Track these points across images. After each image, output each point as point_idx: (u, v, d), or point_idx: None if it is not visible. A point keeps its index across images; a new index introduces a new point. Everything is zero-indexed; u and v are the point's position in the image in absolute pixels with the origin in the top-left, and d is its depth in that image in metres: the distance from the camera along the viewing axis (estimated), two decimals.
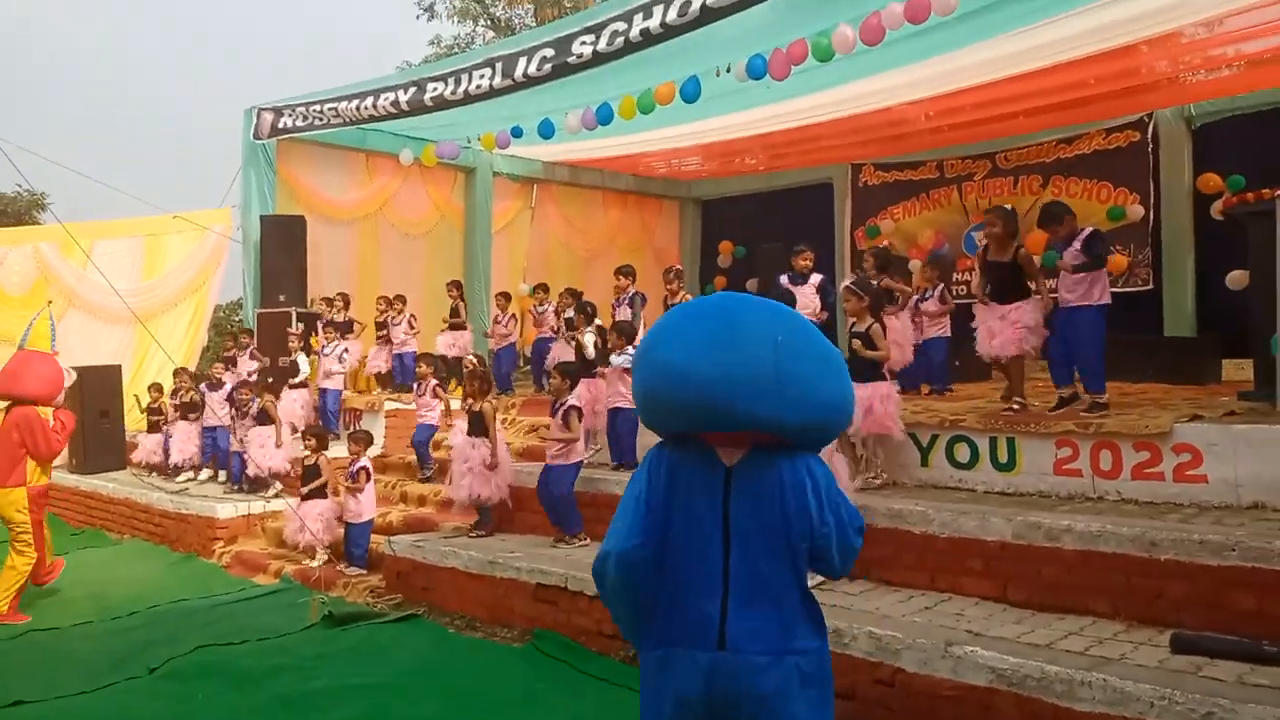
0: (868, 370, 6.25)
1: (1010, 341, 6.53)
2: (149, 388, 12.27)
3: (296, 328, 11.48)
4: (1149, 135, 11.45)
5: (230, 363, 11.63)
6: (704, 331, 2.31)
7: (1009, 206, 7.07)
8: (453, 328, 11.86)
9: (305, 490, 8.49)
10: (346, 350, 11.25)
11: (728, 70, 8.82)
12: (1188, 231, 11.17)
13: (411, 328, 11.83)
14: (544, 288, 11.70)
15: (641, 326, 9.23)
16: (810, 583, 2.43)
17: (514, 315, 11.79)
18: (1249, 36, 8.72)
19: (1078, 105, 10.91)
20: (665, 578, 2.37)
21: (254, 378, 10.92)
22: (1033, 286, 6.60)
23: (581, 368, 8.02)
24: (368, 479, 8.18)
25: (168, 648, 6.17)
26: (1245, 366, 7.76)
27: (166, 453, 11.52)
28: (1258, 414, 5.77)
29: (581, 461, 7.39)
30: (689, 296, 9.82)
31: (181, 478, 11.15)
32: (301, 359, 11.02)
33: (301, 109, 11.84)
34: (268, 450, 9.92)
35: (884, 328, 6.59)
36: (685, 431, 2.40)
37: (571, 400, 7.32)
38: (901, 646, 4.50)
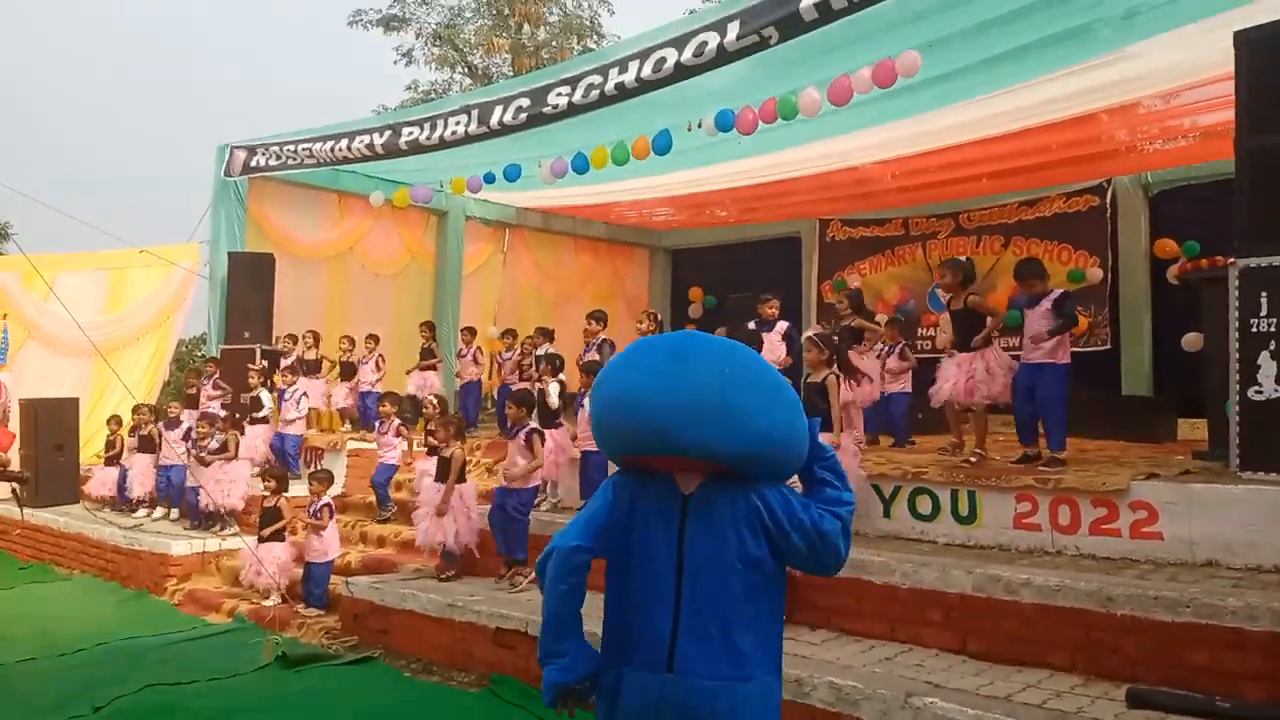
0: (824, 422, 6.30)
1: (969, 389, 6.66)
2: (107, 421, 12.08)
3: (259, 364, 11.40)
4: (1108, 200, 11.79)
5: (191, 401, 11.49)
6: (654, 361, 2.41)
7: (963, 257, 7.27)
8: (423, 369, 11.83)
9: (265, 533, 8.36)
10: (305, 394, 11.16)
11: (699, 126, 9.00)
12: (1145, 294, 11.46)
13: (379, 368, 11.78)
14: (511, 333, 11.73)
15: None
16: None
17: (479, 348, 11.79)
18: (1204, 110, 9.05)
19: (1039, 169, 11.24)
20: (624, 600, 2.44)
21: (215, 405, 10.80)
22: (987, 330, 6.75)
23: (543, 418, 8.03)
24: (331, 515, 8.08)
25: (115, 686, 6.00)
26: (1200, 426, 7.93)
27: (121, 487, 11.31)
28: (1212, 474, 5.88)
29: (537, 487, 7.38)
30: None
31: (138, 513, 10.94)
32: (264, 395, 10.91)
33: (275, 148, 11.87)
34: (224, 485, 9.76)
35: (846, 370, 6.66)
36: (637, 455, 2.46)
37: (532, 424, 7.33)
38: (861, 697, 4.50)
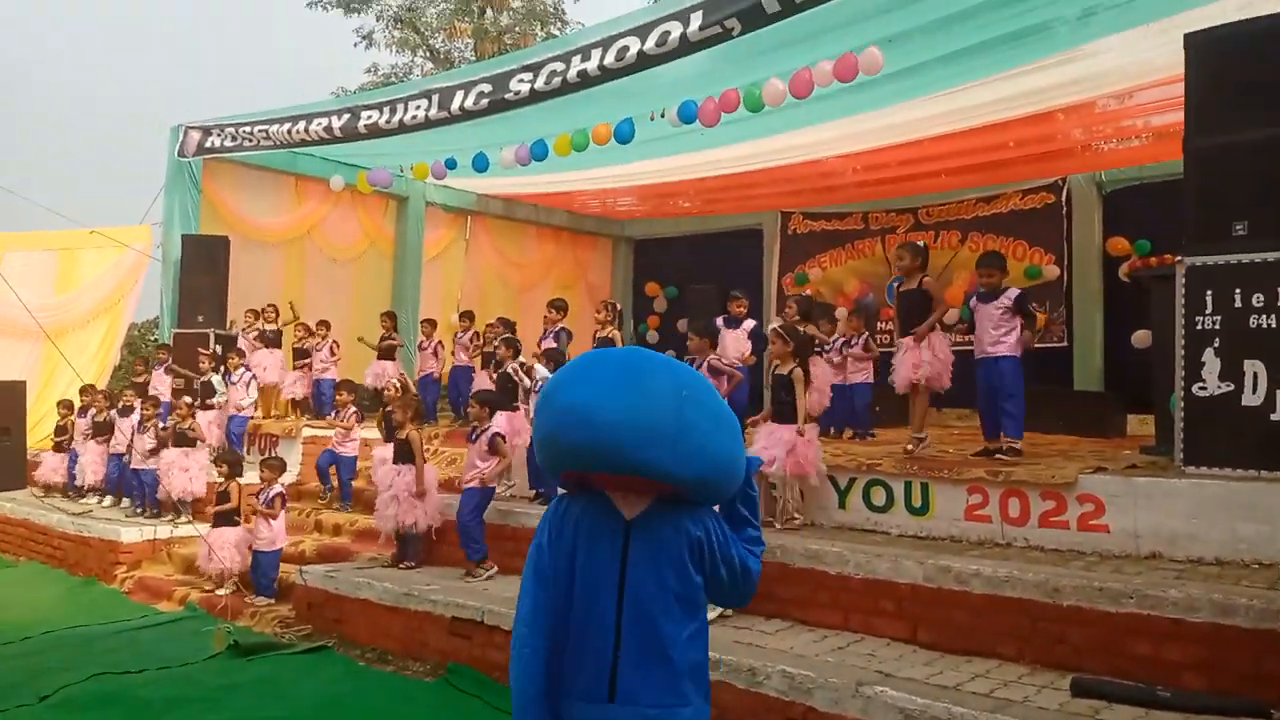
0: (790, 413, 6.40)
1: (918, 370, 6.75)
2: (57, 404, 11.84)
3: (212, 349, 11.23)
4: (1063, 198, 11.96)
5: (142, 389, 11.30)
6: (610, 376, 2.33)
7: (920, 242, 7.38)
8: (382, 356, 11.71)
9: (213, 511, 8.24)
10: (254, 378, 11.01)
11: (662, 115, 9.00)
12: (1098, 291, 11.66)
13: (333, 354, 11.65)
14: (468, 315, 11.66)
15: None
16: (710, 614, 2.48)
17: (440, 341, 11.70)
18: (1157, 110, 9.23)
19: (997, 166, 11.39)
20: (570, 627, 2.40)
21: (165, 390, 10.62)
22: (934, 317, 6.84)
23: (501, 398, 7.99)
24: (283, 505, 8.00)
25: (62, 675, 5.92)
26: (1148, 421, 8.10)
27: (71, 474, 11.10)
28: (1157, 468, 6.01)
29: (494, 488, 7.36)
30: (617, 333, 9.88)
31: (87, 498, 10.74)
32: (216, 380, 10.75)
33: (231, 129, 11.69)
34: (190, 473, 9.56)
35: (807, 373, 6.72)
36: (584, 473, 2.40)
37: (495, 428, 7.31)
38: (814, 686, 4.55)
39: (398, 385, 9.36)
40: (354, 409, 9.55)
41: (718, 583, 2.44)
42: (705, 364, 7.05)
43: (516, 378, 8.16)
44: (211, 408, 10.65)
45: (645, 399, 2.26)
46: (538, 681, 2.37)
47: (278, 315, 11.83)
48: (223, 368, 10.95)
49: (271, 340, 11.75)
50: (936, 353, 6.78)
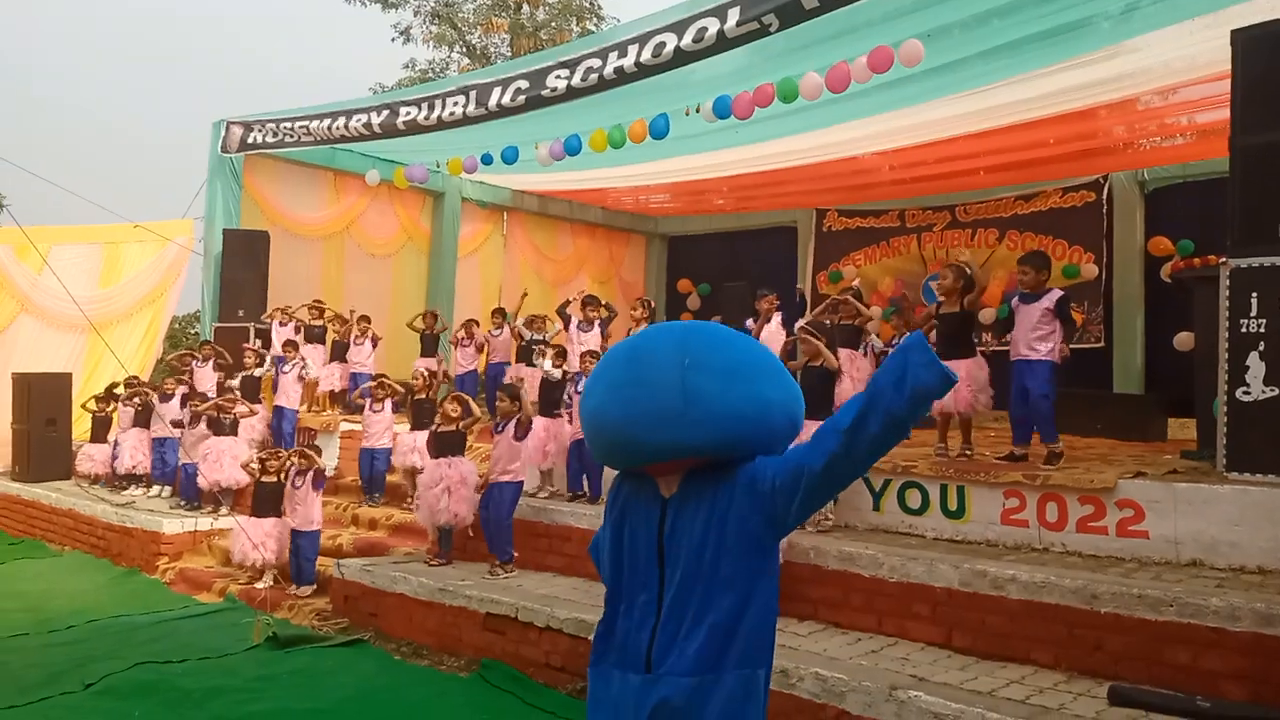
0: (822, 405, 6.26)
1: (962, 400, 6.64)
2: (95, 397, 12.05)
3: (255, 343, 11.37)
4: (1104, 196, 11.79)
5: (186, 376, 11.46)
6: (613, 375, 2.37)
7: (964, 261, 7.19)
8: (425, 353, 11.81)
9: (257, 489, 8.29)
10: (306, 367, 11.11)
11: (696, 110, 8.98)
12: (1138, 292, 11.48)
13: (374, 345, 11.72)
14: (501, 312, 11.72)
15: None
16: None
17: (479, 344, 11.78)
18: (1201, 107, 9.07)
19: (1037, 164, 11.25)
20: (615, 599, 2.47)
21: (212, 391, 10.76)
22: (977, 340, 6.71)
23: (544, 404, 8.05)
24: (317, 485, 8.04)
25: (105, 664, 6.04)
26: (1189, 426, 7.95)
27: (113, 464, 11.30)
28: (1199, 473, 5.92)
29: (522, 483, 7.37)
30: None
31: (131, 490, 10.94)
32: (260, 371, 10.90)
33: (272, 125, 11.82)
34: (223, 463, 9.67)
35: (836, 358, 6.67)
36: (623, 467, 2.48)
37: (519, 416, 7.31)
38: (846, 689, 4.55)
39: (425, 374, 9.46)
40: (389, 401, 9.62)
41: (808, 491, 2.24)
42: None
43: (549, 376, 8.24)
44: (258, 402, 10.77)
45: (644, 387, 2.27)
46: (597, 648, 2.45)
47: (321, 313, 11.93)
48: (280, 355, 11.01)
49: (317, 336, 11.85)
50: (975, 379, 6.63)
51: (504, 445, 7.24)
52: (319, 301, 12.12)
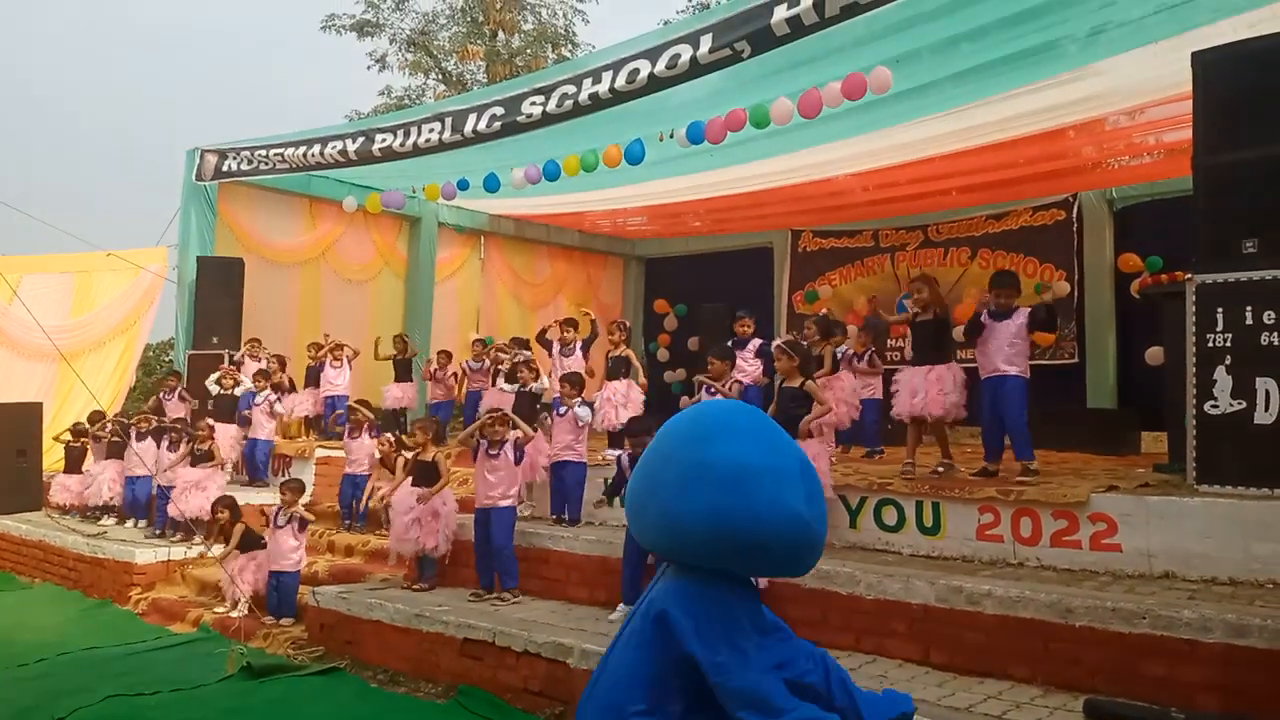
0: (794, 428, 6.28)
1: (934, 403, 6.73)
2: (70, 429, 11.91)
3: (232, 365, 11.33)
4: (1074, 214, 11.94)
5: (157, 411, 11.36)
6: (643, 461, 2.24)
7: (924, 272, 7.42)
8: (399, 379, 11.76)
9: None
10: (278, 400, 11.06)
11: (670, 136, 9.05)
12: (1110, 308, 11.62)
13: (349, 366, 11.62)
14: (481, 343, 11.68)
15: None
16: None
17: (454, 374, 11.74)
18: (1168, 127, 9.21)
19: (1007, 184, 11.40)
20: None
21: (180, 423, 10.65)
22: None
23: (528, 416, 8.08)
24: (303, 529, 7.98)
25: (76, 697, 5.94)
26: (1162, 439, 8.06)
27: (86, 495, 11.15)
28: (1171, 486, 5.98)
29: (516, 509, 7.36)
30: (630, 351, 9.88)
31: (103, 520, 10.80)
32: (238, 390, 10.85)
33: (246, 153, 11.81)
34: (206, 493, 9.47)
35: (814, 382, 6.70)
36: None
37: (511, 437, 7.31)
38: None
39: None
40: (368, 426, 9.56)
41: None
42: (730, 385, 7.18)
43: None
44: (233, 422, 10.69)
45: (643, 479, 2.17)
46: None
47: (283, 366, 11.72)
48: (251, 390, 10.94)
49: (281, 387, 11.60)
50: (948, 384, 6.75)
51: (503, 469, 7.21)
52: (278, 356, 11.88)
